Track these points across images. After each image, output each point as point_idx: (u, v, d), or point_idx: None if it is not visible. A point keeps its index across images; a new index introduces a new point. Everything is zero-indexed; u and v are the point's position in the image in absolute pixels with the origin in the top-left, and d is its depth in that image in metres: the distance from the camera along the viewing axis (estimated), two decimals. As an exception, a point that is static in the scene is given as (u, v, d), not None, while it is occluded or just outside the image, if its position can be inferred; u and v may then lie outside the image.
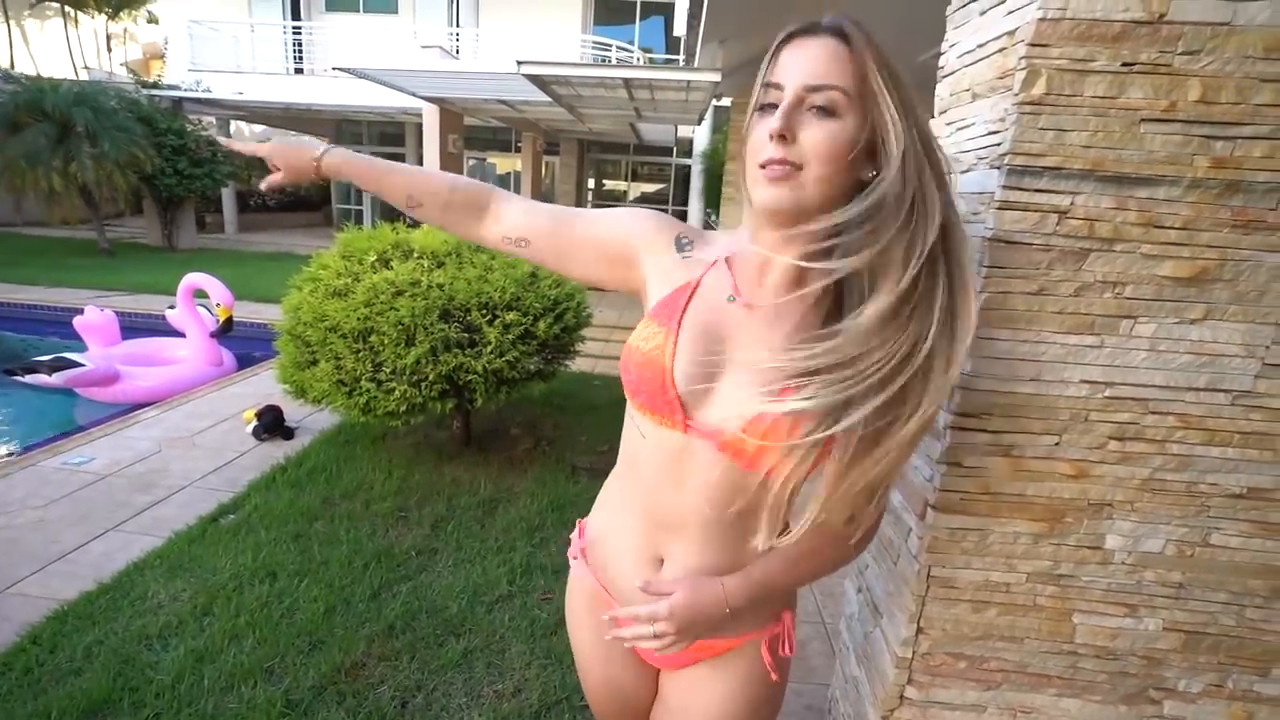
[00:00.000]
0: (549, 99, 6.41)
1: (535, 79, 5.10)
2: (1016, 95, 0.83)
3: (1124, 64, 0.81)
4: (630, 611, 0.78)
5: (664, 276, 0.80)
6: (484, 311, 2.88)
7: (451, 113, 7.05)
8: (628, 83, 5.29)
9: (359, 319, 2.75)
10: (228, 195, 12.80)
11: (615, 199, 16.09)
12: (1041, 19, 0.80)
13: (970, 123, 0.94)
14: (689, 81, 5.13)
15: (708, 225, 9.26)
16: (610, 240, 0.84)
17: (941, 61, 1.07)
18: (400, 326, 2.72)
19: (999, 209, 0.86)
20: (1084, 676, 1.06)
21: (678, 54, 14.26)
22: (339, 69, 5.34)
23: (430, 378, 2.74)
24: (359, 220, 14.59)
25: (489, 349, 2.82)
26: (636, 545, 0.84)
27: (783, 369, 0.65)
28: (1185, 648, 1.04)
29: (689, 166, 14.42)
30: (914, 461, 1.05)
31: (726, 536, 0.77)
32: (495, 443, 3.73)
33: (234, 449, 3.45)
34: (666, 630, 0.75)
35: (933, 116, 1.11)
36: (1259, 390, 0.92)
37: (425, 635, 2.09)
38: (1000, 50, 0.87)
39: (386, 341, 2.73)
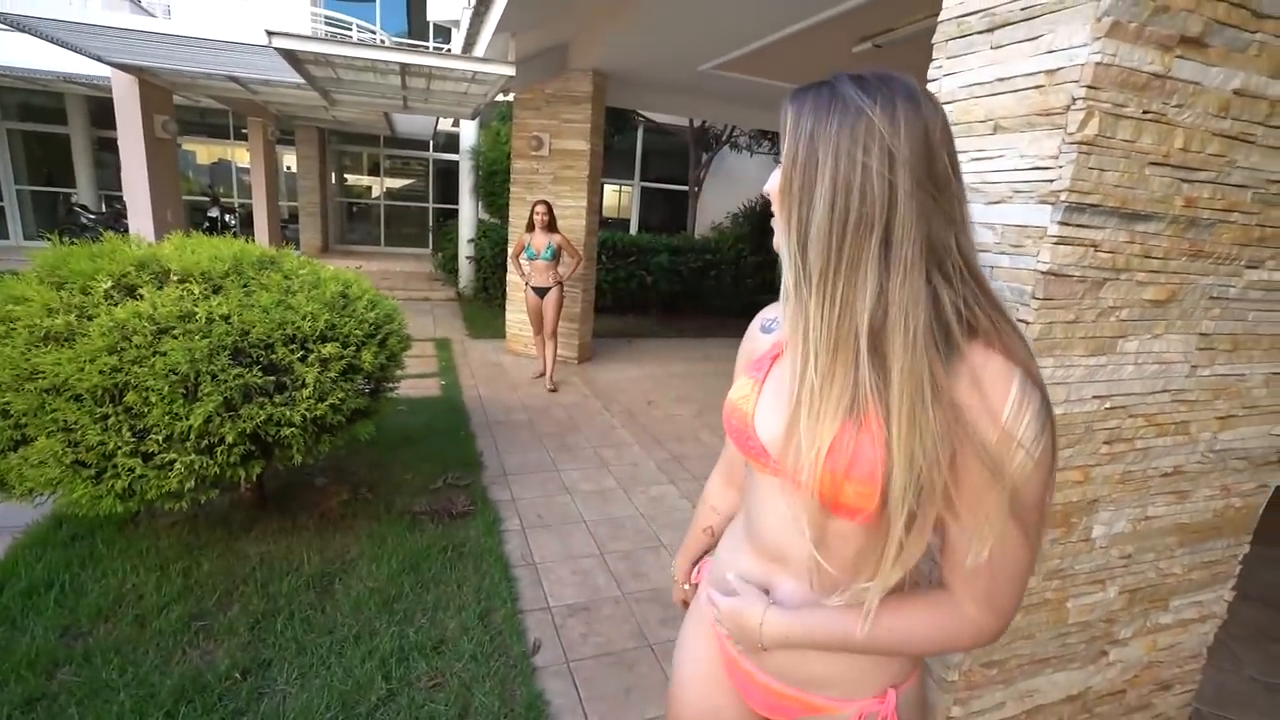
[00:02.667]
0: (297, 81, 5.41)
1: (289, 54, 4.23)
2: (1072, 134, 0.86)
3: (1144, 111, 0.89)
4: (718, 600, 0.83)
5: (762, 355, 0.85)
6: (292, 347, 2.29)
7: (157, 87, 5.47)
8: (405, 68, 4.71)
9: (103, 373, 1.97)
10: None
11: (358, 196, 14.45)
12: (1098, 63, 0.83)
13: (997, 155, 0.96)
14: (475, 73, 4.75)
15: (485, 226, 8.82)
16: (731, 428, 0.85)
17: (933, 89, 1.09)
18: (174, 377, 2.02)
19: (1055, 244, 0.89)
20: (1069, 651, 1.20)
21: (426, 39, 13.28)
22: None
23: (229, 439, 2.09)
24: (-7, 220, 10.81)
25: (306, 393, 2.25)
26: (749, 576, 0.85)
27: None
28: (1129, 604, 1.23)
29: (448, 162, 13.60)
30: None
31: (826, 575, 0.75)
32: (299, 500, 3.04)
33: None
34: (725, 626, 0.83)
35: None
36: (1187, 388, 1.11)
37: (296, 786, 1.59)
38: (1038, 87, 0.90)
39: (154, 399, 2.00)
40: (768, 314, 0.88)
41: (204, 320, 2.15)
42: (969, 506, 0.65)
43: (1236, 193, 1.00)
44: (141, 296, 2.18)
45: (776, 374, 0.80)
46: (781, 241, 0.70)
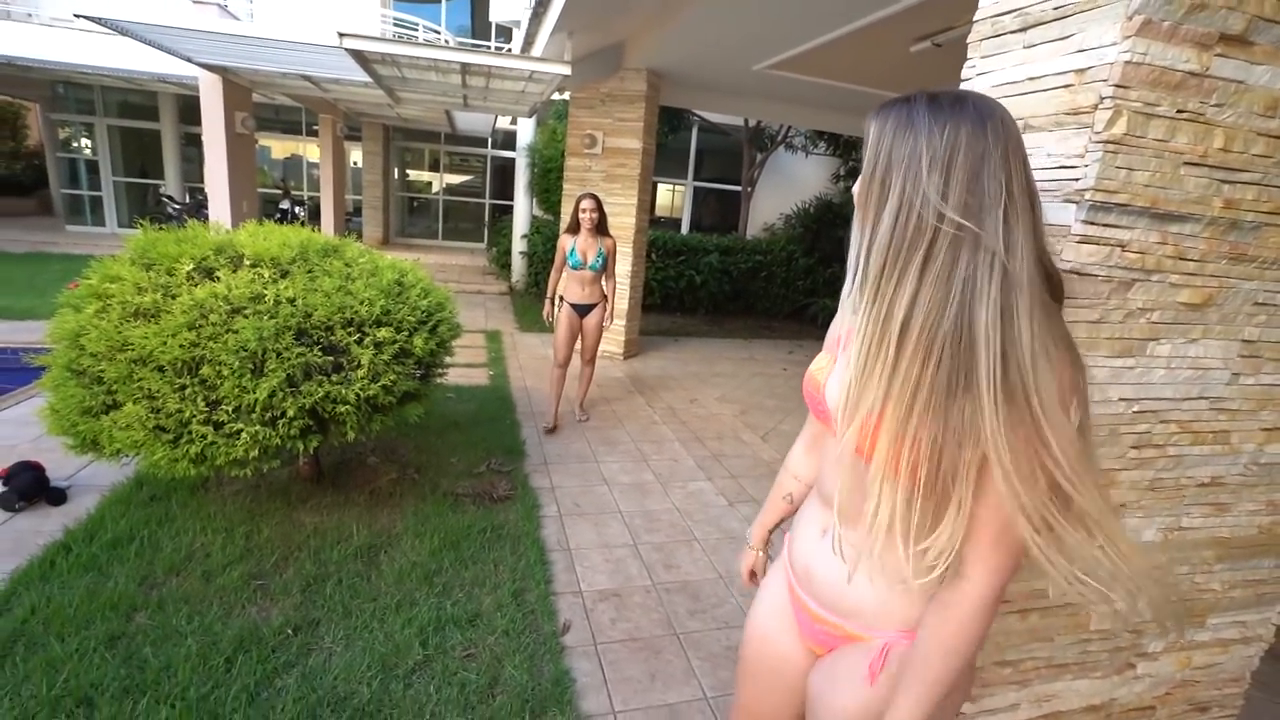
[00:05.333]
0: (365, 79, 5.68)
1: (358, 54, 4.46)
2: (1099, 133, 0.86)
3: (1178, 110, 0.88)
4: None
5: (845, 332, 0.93)
6: (350, 330, 2.44)
7: (238, 86, 5.86)
8: (465, 67, 4.88)
9: (183, 347, 2.16)
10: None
11: (419, 191, 14.97)
12: (1127, 61, 0.83)
13: (1028, 154, 0.96)
14: (532, 72, 4.88)
15: (538, 222, 9.02)
16: (808, 395, 0.98)
17: (965, 88, 1.09)
18: (244, 353, 2.19)
19: (1078, 243, 0.89)
20: (1091, 659, 1.18)
21: (488, 39, 13.64)
22: (84, 15, 4.10)
23: (290, 413, 2.25)
24: (94, 211, 11.74)
25: (361, 373, 2.39)
26: (813, 518, 1.02)
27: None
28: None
29: (505, 159, 13.93)
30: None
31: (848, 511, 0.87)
32: (352, 477, 3.22)
33: (-29, 528, 2.54)
34: None
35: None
36: (1227, 396, 1.08)
37: (337, 735, 1.71)
38: (1066, 86, 0.90)
39: (226, 373, 2.18)
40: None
41: (272, 302, 2.32)
42: (981, 492, 0.74)
43: (1284, 195, 0.97)
44: (218, 278, 2.37)
45: (847, 353, 0.88)
46: (855, 242, 0.82)
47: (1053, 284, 0.74)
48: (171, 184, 11.86)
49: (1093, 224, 0.89)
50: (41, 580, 2.21)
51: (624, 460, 3.87)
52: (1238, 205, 0.95)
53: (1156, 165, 0.89)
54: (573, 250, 3.91)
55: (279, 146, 13.80)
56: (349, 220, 11.64)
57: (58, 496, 2.77)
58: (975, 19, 1.06)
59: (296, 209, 10.93)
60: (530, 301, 8.66)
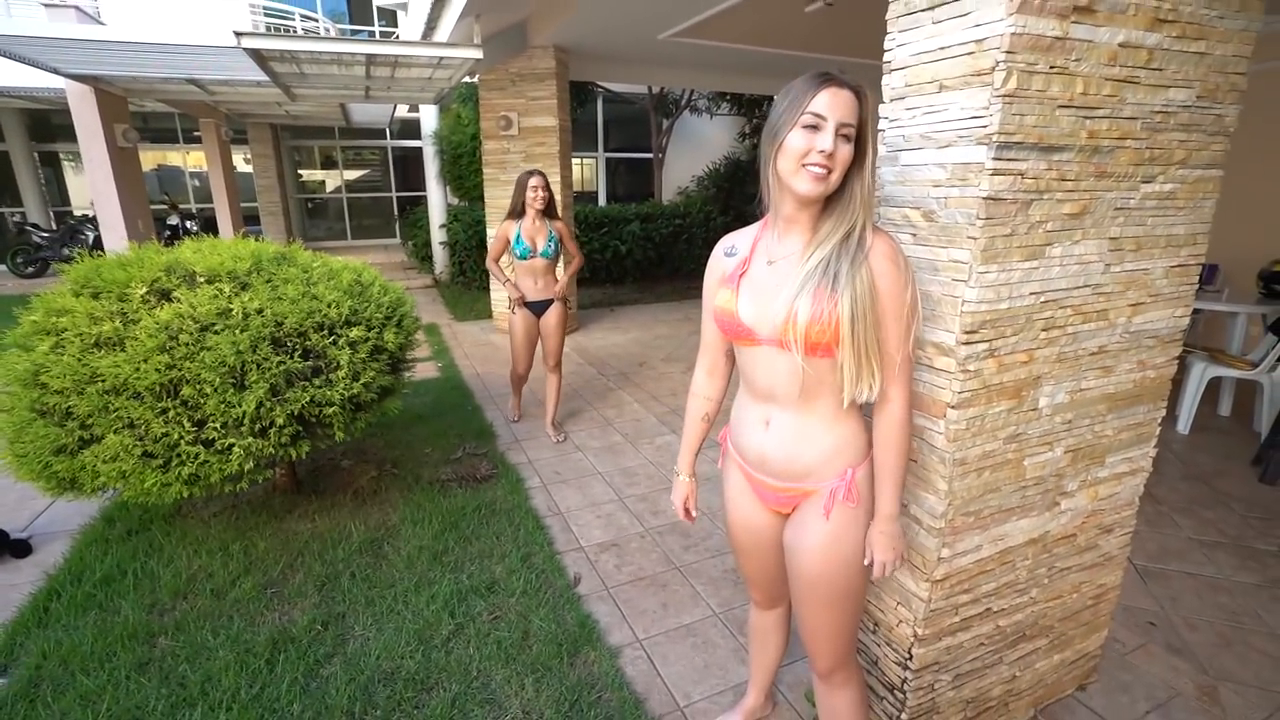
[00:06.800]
0: (258, 79, 5.40)
1: (255, 53, 4.27)
2: (998, 89, 1.11)
3: (1051, 67, 1.14)
4: (877, 575, 1.24)
5: (730, 272, 1.22)
6: (323, 333, 2.48)
7: (113, 95, 5.38)
8: (371, 58, 4.77)
9: (159, 371, 2.15)
10: None
11: (313, 191, 14.21)
12: (1013, 33, 1.08)
13: (943, 108, 1.21)
14: (441, 58, 4.83)
15: (455, 210, 8.86)
16: (713, 320, 1.28)
17: (888, 58, 1.33)
18: (224, 369, 2.21)
19: (991, 175, 1.15)
20: (1029, 502, 1.50)
21: (368, 24, 12.97)
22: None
23: (279, 421, 2.29)
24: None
25: (342, 374, 2.45)
26: (753, 417, 1.27)
27: (791, 291, 1.10)
28: (1072, 462, 1.54)
29: (408, 149, 13.43)
30: (928, 377, 1.34)
31: (806, 402, 1.17)
32: (330, 481, 3.25)
33: (-60, 592, 2.42)
34: (892, 563, 1.23)
35: (883, 101, 1.37)
36: (1103, 282, 1.40)
37: (396, 703, 1.85)
38: (970, 54, 1.15)
39: (208, 390, 2.19)
40: (726, 243, 1.27)
41: (240, 315, 2.33)
42: (888, 330, 1.10)
43: (1128, 124, 1.27)
44: (177, 299, 2.34)
45: (747, 283, 1.19)
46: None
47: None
48: (33, 210, 10.72)
49: (999, 160, 1.16)
50: (40, 627, 2.18)
51: (590, 427, 4.06)
52: (1097, 135, 1.24)
53: (1040, 110, 1.16)
54: (518, 237, 3.43)
55: (150, 157, 12.69)
56: (247, 229, 10.94)
57: (21, 549, 2.66)
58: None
59: (188, 223, 10.17)
60: (458, 291, 8.56)
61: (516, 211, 3.46)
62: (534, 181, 3.40)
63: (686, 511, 1.50)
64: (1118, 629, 2.14)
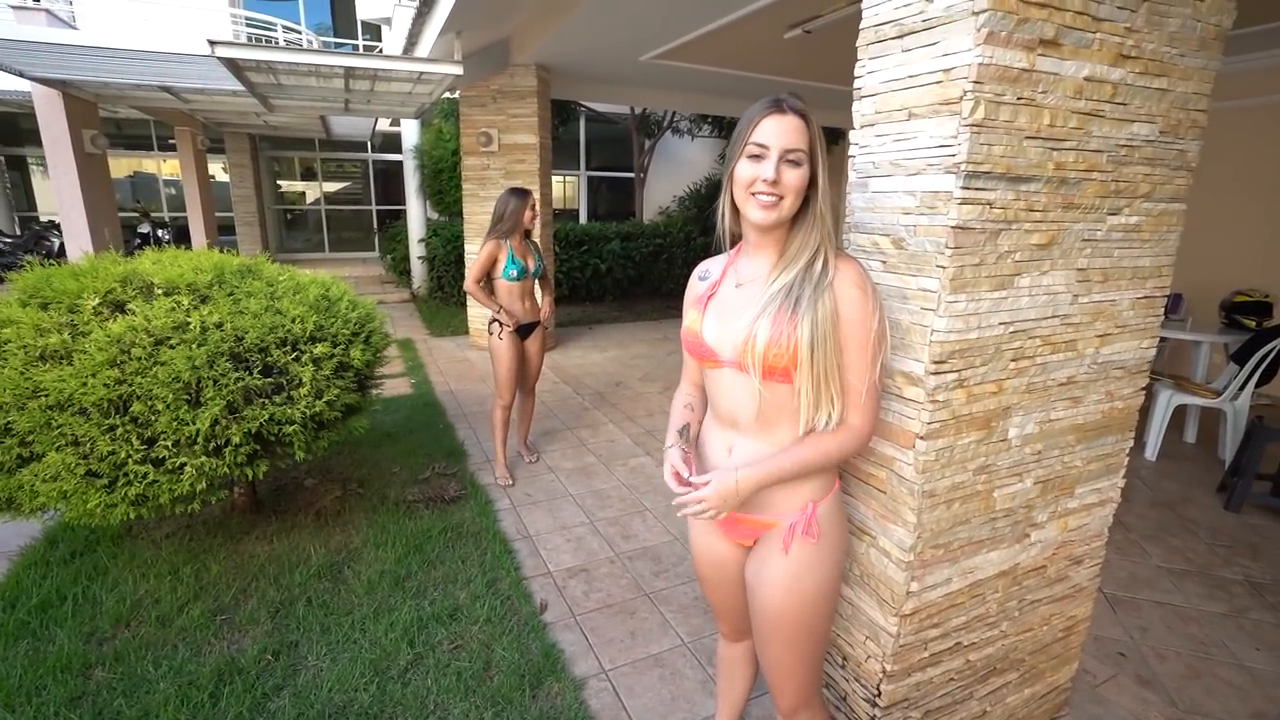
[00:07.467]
0: (234, 88, 5.33)
1: (230, 63, 4.21)
2: (966, 119, 1.11)
3: (1019, 98, 1.14)
4: (686, 496, 1.14)
5: (701, 294, 1.23)
6: (285, 349, 2.40)
7: (82, 100, 5.26)
8: (349, 71, 4.73)
9: (107, 386, 2.05)
10: None
11: (292, 202, 14.04)
12: (980, 63, 1.08)
13: (913, 135, 1.21)
14: (421, 73, 4.81)
15: (435, 225, 8.79)
16: (689, 345, 1.25)
17: (858, 84, 1.33)
18: (178, 384, 2.12)
19: (960, 204, 1.15)
20: (999, 534, 1.48)
21: (353, 37, 12.95)
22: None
23: (235, 440, 2.20)
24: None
25: (304, 391, 2.37)
26: (717, 443, 1.23)
27: (753, 314, 1.10)
28: (1042, 493, 1.52)
29: (389, 163, 13.36)
30: (897, 406, 1.32)
31: (764, 429, 1.14)
32: (292, 501, 3.14)
33: None
34: (706, 505, 1.12)
35: (853, 128, 1.37)
36: (1071, 313, 1.39)
37: (347, 739, 1.76)
38: (938, 82, 1.15)
39: (160, 407, 2.10)
40: (702, 268, 1.28)
41: (198, 329, 2.24)
42: (851, 357, 1.07)
43: (1094, 156, 1.28)
44: (132, 311, 2.25)
45: (714, 305, 1.20)
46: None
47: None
48: (-5, 216, 10.42)
49: (968, 189, 1.15)
50: (-34, 657, 2.04)
51: (564, 447, 3.99)
52: (1064, 167, 1.25)
53: (1008, 140, 1.16)
54: (512, 257, 3.22)
55: (123, 165, 12.44)
56: (222, 240, 10.75)
57: (-47, 571, 2.52)
58: (861, 27, 1.30)
59: (159, 232, 9.95)
60: (436, 306, 8.46)
61: (508, 230, 3.24)
62: (533, 200, 3.28)
63: (679, 476, 1.42)
64: (1088, 660, 2.12)
